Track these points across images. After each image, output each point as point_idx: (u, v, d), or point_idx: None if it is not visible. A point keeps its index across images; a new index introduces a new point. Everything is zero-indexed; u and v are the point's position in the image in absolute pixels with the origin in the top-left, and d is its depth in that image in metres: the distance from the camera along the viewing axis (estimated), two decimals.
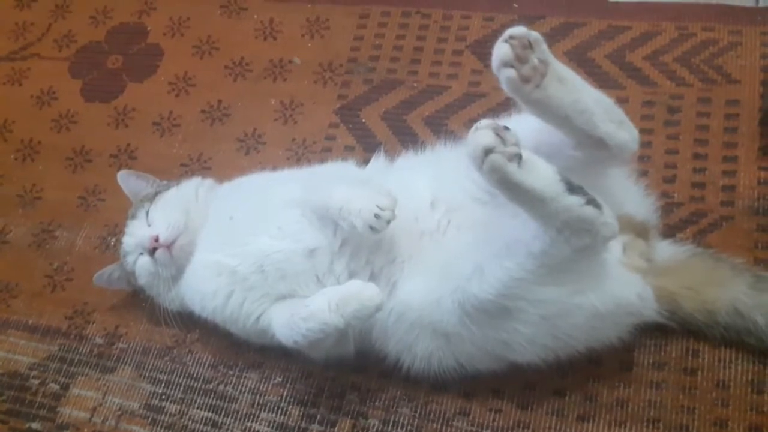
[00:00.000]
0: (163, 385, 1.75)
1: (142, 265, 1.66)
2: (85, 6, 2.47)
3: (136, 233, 1.67)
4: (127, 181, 1.84)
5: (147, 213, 1.68)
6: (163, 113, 2.17)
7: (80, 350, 1.86)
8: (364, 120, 1.98)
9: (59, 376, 1.83)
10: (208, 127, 2.11)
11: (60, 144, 2.22)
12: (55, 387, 1.82)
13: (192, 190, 1.74)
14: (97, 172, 2.13)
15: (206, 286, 1.57)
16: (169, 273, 1.63)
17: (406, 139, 1.89)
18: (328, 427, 1.61)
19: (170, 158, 2.08)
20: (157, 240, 1.61)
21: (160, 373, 1.77)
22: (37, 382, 1.83)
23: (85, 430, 1.74)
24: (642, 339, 1.49)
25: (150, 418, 1.72)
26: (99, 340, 1.86)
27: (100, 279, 1.79)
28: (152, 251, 1.62)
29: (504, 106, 1.78)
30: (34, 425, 1.77)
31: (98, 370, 1.82)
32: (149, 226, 1.66)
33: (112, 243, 1.96)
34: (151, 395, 1.75)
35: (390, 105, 1.98)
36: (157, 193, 1.74)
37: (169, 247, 1.61)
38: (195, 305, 1.62)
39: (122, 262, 1.73)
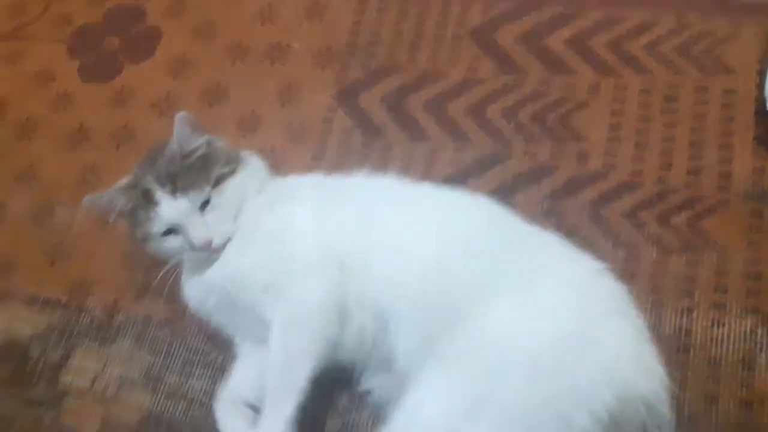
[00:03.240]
0: (162, 356, 1.76)
1: (170, 244, 1.53)
2: None
3: (189, 222, 1.49)
4: (184, 125, 1.56)
5: (209, 200, 1.51)
6: (161, 94, 2.18)
7: (80, 322, 1.87)
8: (362, 105, 2.00)
9: (59, 346, 1.85)
10: (206, 108, 2.12)
11: (58, 122, 2.23)
12: (55, 357, 1.83)
13: (257, 183, 1.59)
14: (96, 151, 2.14)
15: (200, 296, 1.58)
16: (192, 262, 1.56)
17: (404, 124, 1.92)
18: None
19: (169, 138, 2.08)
20: (209, 244, 1.49)
21: (160, 344, 1.78)
22: (37, 352, 1.85)
23: (87, 397, 1.76)
24: None
25: (150, 387, 1.73)
26: (98, 313, 1.87)
27: (97, 201, 1.61)
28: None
29: (503, 91, 1.83)
30: (36, 393, 1.79)
31: (98, 341, 1.83)
32: (203, 216, 1.50)
33: (112, 220, 1.97)
34: (150, 366, 1.76)
35: (388, 90, 2.00)
36: (219, 178, 1.53)
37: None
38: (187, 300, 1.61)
39: (134, 213, 1.55)
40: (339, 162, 1.91)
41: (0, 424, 1.79)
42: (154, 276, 1.62)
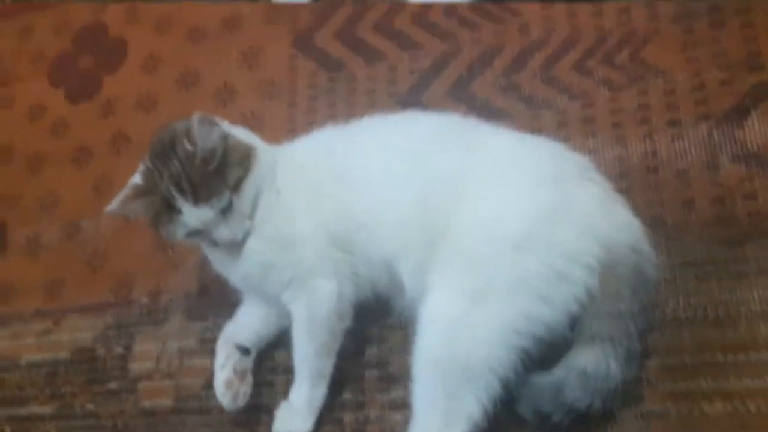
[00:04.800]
0: (210, 319, 1.90)
1: (194, 241, 1.63)
2: (45, 22, 2.64)
3: (212, 226, 1.54)
4: (203, 126, 1.50)
5: (231, 203, 1.54)
6: (142, 93, 2.34)
7: (132, 313, 2.02)
8: (319, 45, 2.14)
9: (120, 339, 2.00)
10: (184, 93, 2.27)
11: (61, 148, 2.40)
12: (119, 350, 1.98)
13: (268, 176, 1.61)
14: (101, 162, 2.30)
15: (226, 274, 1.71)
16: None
17: (361, 51, 2.07)
18: None
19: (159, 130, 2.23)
20: (233, 241, 1.57)
21: (206, 309, 1.92)
22: (103, 351, 2.00)
23: (155, 376, 1.91)
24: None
25: (208, 350, 1.84)
26: (145, 300, 2.02)
27: (118, 211, 1.60)
28: None
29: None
30: (111, 385, 1.95)
31: (152, 325, 1.97)
32: (225, 219, 1.54)
33: (131, 219, 2.12)
34: (203, 330, 1.90)
35: (339, 23, 2.13)
36: (237, 182, 1.54)
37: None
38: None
39: (156, 218, 1.56)
40: (311, 105, 2.08)
41: (88, 420, 1.96)
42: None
